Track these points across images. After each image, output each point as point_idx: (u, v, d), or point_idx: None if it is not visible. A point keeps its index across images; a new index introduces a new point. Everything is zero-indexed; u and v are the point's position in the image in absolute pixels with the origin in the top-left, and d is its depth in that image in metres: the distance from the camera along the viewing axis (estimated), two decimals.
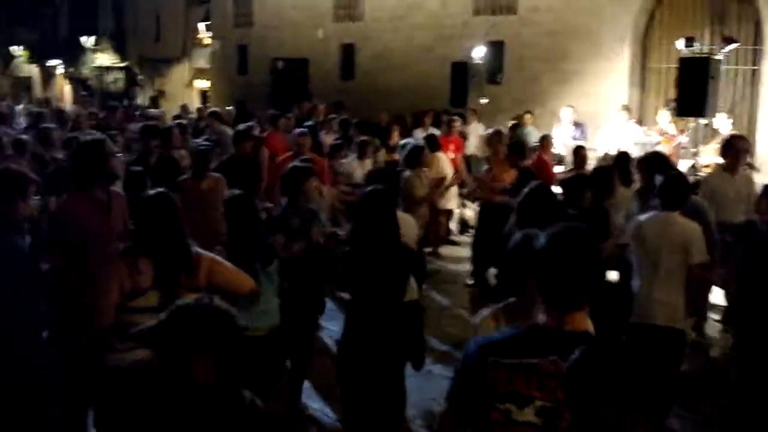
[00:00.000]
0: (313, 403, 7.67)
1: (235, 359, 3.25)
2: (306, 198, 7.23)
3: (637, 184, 9.38)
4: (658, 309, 6.63)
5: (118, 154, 8.11)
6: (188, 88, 33.98)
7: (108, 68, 40.30)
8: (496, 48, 19.62)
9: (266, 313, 6.12)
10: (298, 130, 11.91)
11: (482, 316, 4.04)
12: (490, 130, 12.65)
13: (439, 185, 12.29)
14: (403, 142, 12.39)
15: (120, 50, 39.56)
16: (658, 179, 7.04)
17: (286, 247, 6.78)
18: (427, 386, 7.55)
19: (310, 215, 7.20)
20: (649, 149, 13.94)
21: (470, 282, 11.24)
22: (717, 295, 9.31)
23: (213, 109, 20.03)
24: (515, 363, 2.97)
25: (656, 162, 8.75)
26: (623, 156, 10.58)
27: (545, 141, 13.64)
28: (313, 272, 7.16)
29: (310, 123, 15.10)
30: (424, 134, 14.98)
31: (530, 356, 2.97)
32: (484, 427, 3.06)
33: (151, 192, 5.16)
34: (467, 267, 12.14)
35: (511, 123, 17.06)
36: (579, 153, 11.33)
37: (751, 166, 13.56)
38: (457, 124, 15.97)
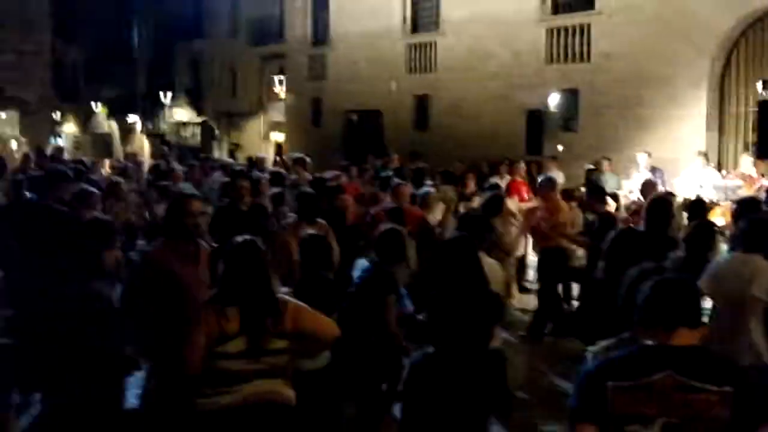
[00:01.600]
0: None
1: None
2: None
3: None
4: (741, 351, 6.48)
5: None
6: (264, 140, 34.47)
7: (185, 123, 41.13)
8: (570, 95, 19.60)
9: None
10: (396, 181, 11.77)
11: (601, 346, 4.18)
12: (542, 177, 12.61)
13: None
14: None
15: (196, 105, 40.35)
16: (741, 224, 6.92)
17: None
18: None
19: None
20: (730, 193, 13.82)
21: (522, 333, 11.15)
22: None
23: (298, 155, 20.28)
24: (636, 384, 3.04)
25: (751, 207, 8.58)
26: (698, 202, 10.45)
27: (647, 185, 13.26)
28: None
29: (387, 173, 15.18)
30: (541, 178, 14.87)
31: (647, 374, 3.04)
32: None
33: (239, 239, 5.23)
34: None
35: (588, 167, 16.98)
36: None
37: None
38: (521, 166, 15.98)
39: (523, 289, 14.16)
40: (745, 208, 8.64)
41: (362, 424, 6.94)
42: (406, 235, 7.31)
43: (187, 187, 12.44)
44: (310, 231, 7.45)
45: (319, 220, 9.13)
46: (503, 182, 15.42)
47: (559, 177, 17.24)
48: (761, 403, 3.03)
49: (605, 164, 17.13)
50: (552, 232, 11.08)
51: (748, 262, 6.53)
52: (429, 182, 14.08)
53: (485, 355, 5.83)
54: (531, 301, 13.22)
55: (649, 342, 3.17)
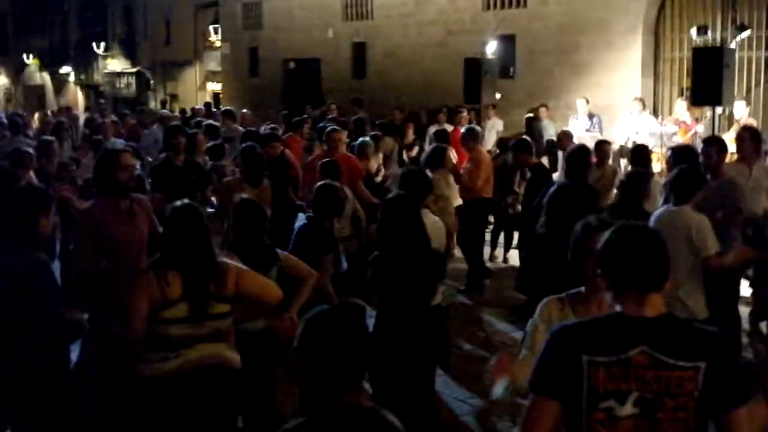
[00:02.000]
0: None
1: None
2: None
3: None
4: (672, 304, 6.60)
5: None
6: (200, 90, 34.07)
7: (119, 74, 40.46)
8: (508, 42, 19.58)
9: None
10: (329, 127, 11.65)
11: (548, 299, 4.16)
12: (464, 129, 12.68)
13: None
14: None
15: (131, 55, 39.68)
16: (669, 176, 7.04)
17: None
18: (454, 387, 7.59)
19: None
20: (666, 140, 14.01)
21: (462, 288, 11.25)
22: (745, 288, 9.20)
23: (227, 107, 20.09)
24: (614, 360, 2.98)
25: (685, 155, 8.68)
26: (641, 149, 10.56)
27: (563, 136, 13.63)
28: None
29: (325, 124, 15.13)
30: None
31: (622, 350, 2.98)
32: (586, 427, 3.05)
33: (178, 203, 5.18)
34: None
35: (527, 116, 17.07)
36: (601, 148, 11.22)
37: None
38: (464, 116, 16.01)
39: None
40: (679, 155, 8.76)
41: None
42: (342, 189, 7.31)
43: (119, 142, 12.28)
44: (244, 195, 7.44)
45: (265, 181, 9.10)
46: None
47: (499, 125, 17.37)
48: (733, 382, 3.00)
49: (543, 111, 17.26)
50: (471, 183, 11.13)
51: (680, 215, 6.64)
52: (370, 132, 14.08)
53: (428, 312, 5.91)
54: None
55: (622, 310, 3.10)
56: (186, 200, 5.22)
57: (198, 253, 4.94)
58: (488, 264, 12.36)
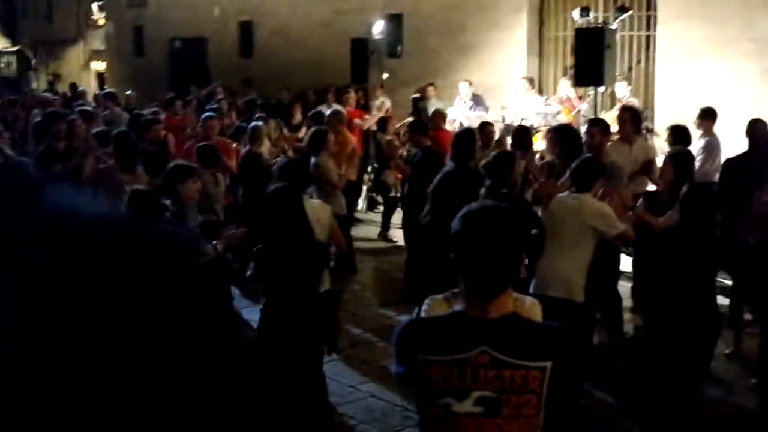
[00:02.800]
0: None
1: None
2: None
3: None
4: (553, 282, 6.77)
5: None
6: (84, 70, 33.27)
7: None
8: (395, 21, 19.57)
9: None
10: (204, 114, 11.58)
11: (434, 299, 4.02)
12: (331, 110, 12.75)
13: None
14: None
15: (11, 33, 38.48)
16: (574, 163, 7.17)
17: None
18: (345, 373, 7.61)
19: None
20: (550, 119, 14.24)
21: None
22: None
23: (108, 90, 19.65)
24: (447, 360, 2.97)
25: (565, 134, 8.84)
26: (522, 129, 10.72)
27: (436, 115, 13.65)
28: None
29: (214, 105, 14.97)
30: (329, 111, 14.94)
31: (461, 350, 2.96)
32: (426, 421, 3.09)
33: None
34: (379, 245, 12.34)
35: (414, 96, 17.13)
36: (485, 130, 11.33)
37: (650, 131, 13.92)
38: (351, 96, 16.01)
39: (356, 220, 14.36)
40: (561, 135, 8.92)
41: None
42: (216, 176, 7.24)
43: None
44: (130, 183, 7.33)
45: (138, 168, 8.93)
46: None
47: (387, 103, 17.37)
48: (572, 370, 3.09)
49: (430, 91, 17.32)
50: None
51: (584, 203, 6.81)
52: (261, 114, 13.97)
53: (315, 300, 5.92)
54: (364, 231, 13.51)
55: (463, 309, 3.07)
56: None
57: None
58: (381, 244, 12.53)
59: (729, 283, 8.80)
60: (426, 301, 4.12)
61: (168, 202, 6.89)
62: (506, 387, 2.95)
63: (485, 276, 3.00)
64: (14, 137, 14.09)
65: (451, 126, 14.65)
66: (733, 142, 10.48)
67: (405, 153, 11.82)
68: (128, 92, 19.05)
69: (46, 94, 23.07)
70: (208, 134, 10.59)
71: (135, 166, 8.85)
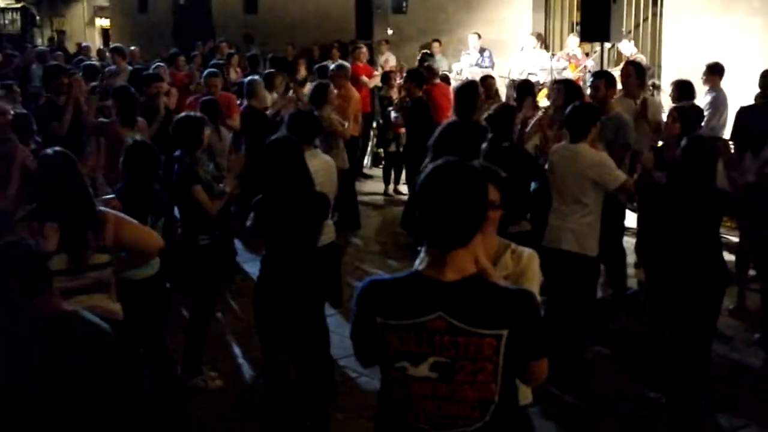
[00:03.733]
0: (236, 348, 7.71)
1: None
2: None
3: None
4: (565, 235, 6.74)
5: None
6: (89, 27, 33.10)
7: (2, 9, 38.99)
8: None
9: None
10: (207, 71, 11.53)
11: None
12: (335, 64, 12.70)
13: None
14: None
15: None
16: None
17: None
18: (347, 326, 7.57)
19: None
20: (556, 75, 14.13)
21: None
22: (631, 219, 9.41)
23: (115, 44, 19.57)
24: (405, 324, 2.93)
25: (569, 89, 8.75)
26: (524, 83, 10.62)
27: (429, 71, 13.47)
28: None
29: (217, 61, 14.88)
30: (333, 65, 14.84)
31: (418, 314, 2.91)
32: (385, 383, 3.07)
33: (50, 151, 5.01)
34: (383, 200, 12.33)
35: (421, 52, 17.02)
36: (486, 82, 11.26)
37: (656, 87, 13.82)
38: (363, 51, 15.89)
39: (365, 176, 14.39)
40: (567, 87, 8.85)
41: (196, 320, 6.93)
42: (203, 120, 7.16)
43: None
44: (130, 136, 7.26)
45: (139, 119, 8.89)
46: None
47: (392, 60, 17.26)
48: (535, 339, 2.97)
49: (436, 46, 17.20)
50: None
51: (579, 153, 6.73)
52: (264, 71, 13.88)
53: (315, 251, 5.89)
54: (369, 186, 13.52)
55: (421, 270, 3.01)
56: (57, 148, 5.06)
57: (74, 202, 4.79)
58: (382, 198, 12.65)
59: (736, 240, 8.81)
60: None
61: (177, 153, 6.89)
62: (461, 354, 2.89)
63: (442, 226, 2.91)
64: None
65: (456, 79, 14.59)
66: (740, 98, 10.38)
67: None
68: (133, 48, 18.91)
69: (42, 48, 22.95)
70: (211, 91, 10.54)
71: (135, 120, 8.80)
